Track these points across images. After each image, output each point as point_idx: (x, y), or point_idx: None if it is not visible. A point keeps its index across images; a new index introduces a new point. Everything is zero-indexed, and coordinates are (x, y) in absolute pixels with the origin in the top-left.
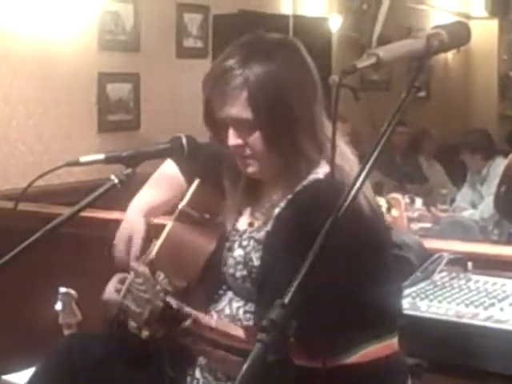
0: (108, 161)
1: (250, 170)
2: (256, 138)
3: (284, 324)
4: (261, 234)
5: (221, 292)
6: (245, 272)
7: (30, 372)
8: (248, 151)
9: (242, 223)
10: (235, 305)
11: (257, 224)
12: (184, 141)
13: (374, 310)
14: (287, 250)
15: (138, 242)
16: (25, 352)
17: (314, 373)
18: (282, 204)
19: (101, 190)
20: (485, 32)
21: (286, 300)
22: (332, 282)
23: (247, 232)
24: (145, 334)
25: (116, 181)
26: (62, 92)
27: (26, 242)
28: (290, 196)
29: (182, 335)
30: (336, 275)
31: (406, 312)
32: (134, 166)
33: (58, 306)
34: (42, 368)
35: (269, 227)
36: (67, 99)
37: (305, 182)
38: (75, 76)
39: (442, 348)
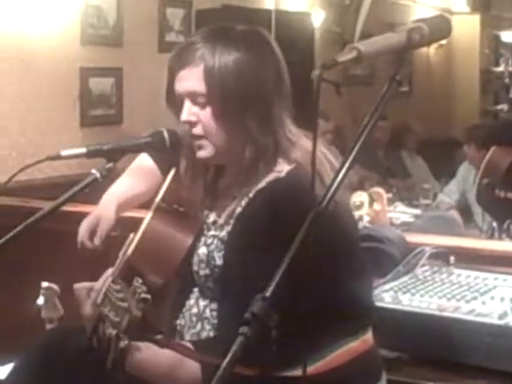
0: (89, 154)
1: (202, 153)
2: (207, 114)
3: (265, 317)
4: (223, 234)
5: (189, 289)
6: (207, 271)
7: (10, 367)
8: (200, 129)
9: (210, 218)
10: (202, 303)
11: (219, 223)
12: (166, 134)
13: (347, 305)
14: (247, 251)
15: (103, 230)
16: (6, 347)
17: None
18: (243, 202)
19: (82, 184)
20: (467, 27)
21: (268, 294)
22: (305, 281)
23: (212, 230)
24: (123, 343)
25: (97, 175)
26: (45, 86)
27: (7, 236)
28: (251, 195)
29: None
30: (308, 273)
31: (388, 306)
32: (116, 160)
33: (40, 300)
34: (20, 363)
35: (230, 227)
36: (50, 94)
37: (265, 182)
38: (58, 70)
39: (423, 341)
